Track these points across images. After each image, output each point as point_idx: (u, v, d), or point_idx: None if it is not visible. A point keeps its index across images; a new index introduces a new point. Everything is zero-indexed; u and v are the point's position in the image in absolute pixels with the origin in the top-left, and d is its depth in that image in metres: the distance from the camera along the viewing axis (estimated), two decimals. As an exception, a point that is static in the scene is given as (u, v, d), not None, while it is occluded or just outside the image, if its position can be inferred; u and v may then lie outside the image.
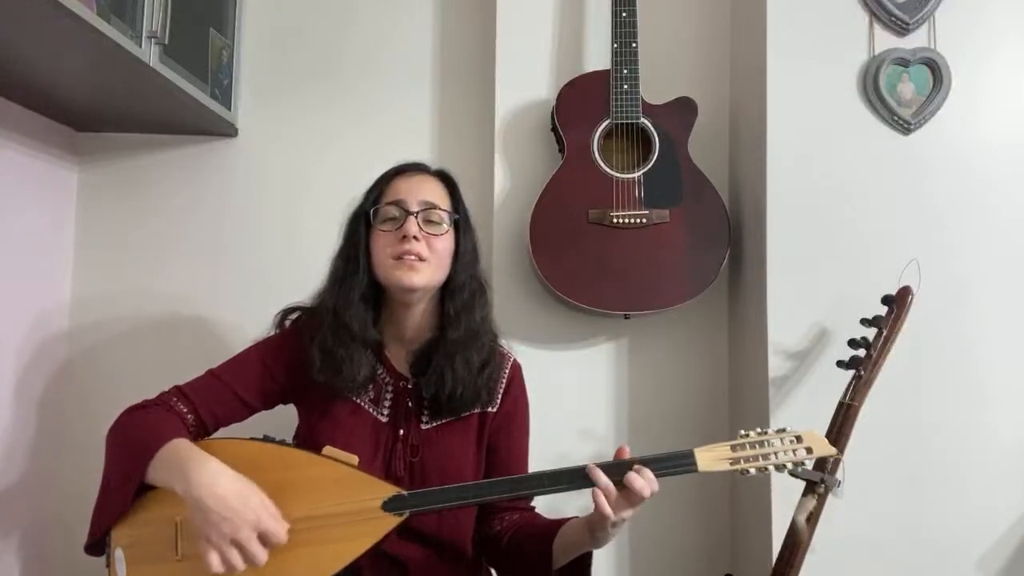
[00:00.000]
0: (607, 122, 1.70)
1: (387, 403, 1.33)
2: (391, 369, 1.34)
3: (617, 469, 1.12)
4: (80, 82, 1.57)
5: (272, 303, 1.40)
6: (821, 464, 1.33)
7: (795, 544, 1.34)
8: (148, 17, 1.48)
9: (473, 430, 1.35)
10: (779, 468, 1.14)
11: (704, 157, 1.74)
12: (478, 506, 1.35)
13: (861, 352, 1.40)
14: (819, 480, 1.32)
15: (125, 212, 1.90)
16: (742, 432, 1.15)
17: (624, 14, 1.69)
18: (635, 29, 1.69)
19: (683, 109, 1.72)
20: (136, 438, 1.17)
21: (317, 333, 1.28)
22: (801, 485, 1.35)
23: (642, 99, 1.70)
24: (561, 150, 1.74)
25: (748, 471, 1.13)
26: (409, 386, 1.34)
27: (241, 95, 1.93)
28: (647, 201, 1.68)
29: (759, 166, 1.63)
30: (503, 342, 1.42)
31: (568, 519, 1.27)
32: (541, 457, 1.50)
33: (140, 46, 1.45)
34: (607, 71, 1.71)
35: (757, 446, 1.14)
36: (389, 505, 1.13)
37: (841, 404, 1.38)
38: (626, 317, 1.74)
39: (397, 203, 1.29)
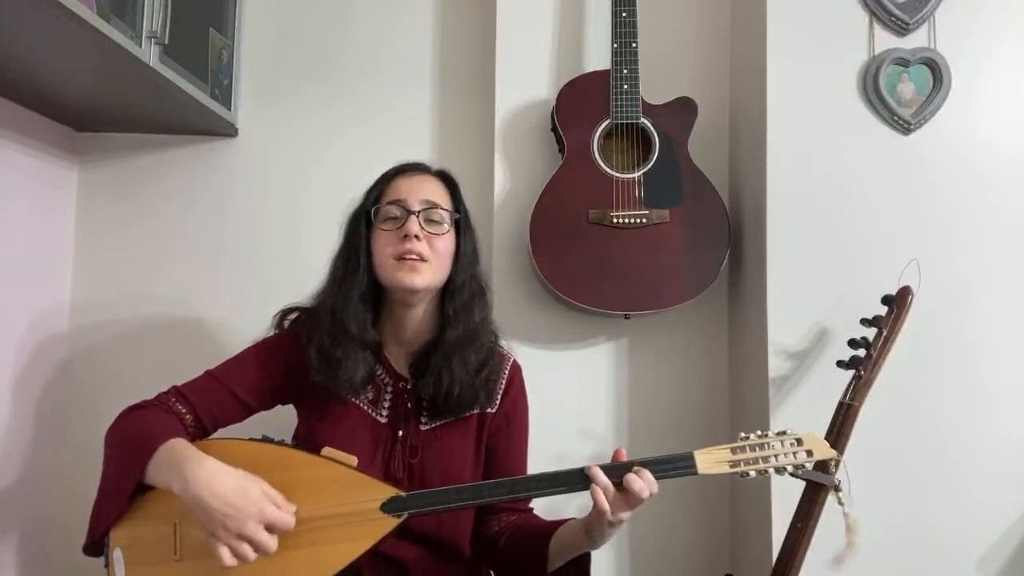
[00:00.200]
0: (607, 122, 1.70)
1: (386, 404, 1.32)
2: (390, 370, 1.34)
3: (617, 471, 1.12)
4: (80, 82, 1.57)
5: (272, 303, 1.40)
6: (822, 465, 1.33)
7: (795, 544, 1.34)
8: (148, 17, 1.48)
9: (472, 431, 1.35)
10: (779, 471, 1.14)
11: (704, 157, 1.74)
12: (476, 507, 1.35)
13: (861, 352, 1.40)
14: (826, 483, 1.31)
15: (125, 212, 1.90)
16: (742, 434, 1.15)
17: (624, 14, 1.69)
18: (635, 29, 1.69)
19: (683, 109, 1.72)
20: (134, 439, 1.17)
21: (315, 334, 1.28)
22: (801, 485, 1.34)
23: (642, 99, 1.70)
24: (561, 150, 1.74)
25: (748, 473, 1.13)
26: (408, 387, 1.33)
27: (241, 95, 1.93)
28: (647, 201, 1.68)
29: (759, 166, 1.63)
30: (503, 342, 1.42)
31: (565, 520, 1.27)
32: (541, 457, 1.50)
33: (140, 46, 1.45)
34: (607, 71, 1.71)
35: (757, 448, 1.14)
36: (388, 506, 1.13)
37: (841, 404, 1.38)
38: (626, 317, 1.74)
39: (398, 203, 1.29)
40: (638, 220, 1.67)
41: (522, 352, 1.63)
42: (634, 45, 1.68)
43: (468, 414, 1.34)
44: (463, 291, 1.32)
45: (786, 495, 1.41)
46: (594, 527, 1.16)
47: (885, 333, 1.39)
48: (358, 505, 1.13)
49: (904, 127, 1.58)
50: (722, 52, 1.88)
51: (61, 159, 1.85)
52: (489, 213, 1.79)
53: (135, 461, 1.13)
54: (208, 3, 1.77)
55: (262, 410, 1.34)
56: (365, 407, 1.31)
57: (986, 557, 1.52)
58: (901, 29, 1.59)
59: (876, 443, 1.49)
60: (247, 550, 1.06)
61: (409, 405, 1.33)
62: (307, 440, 1.30)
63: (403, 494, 1.15)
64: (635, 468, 1.12)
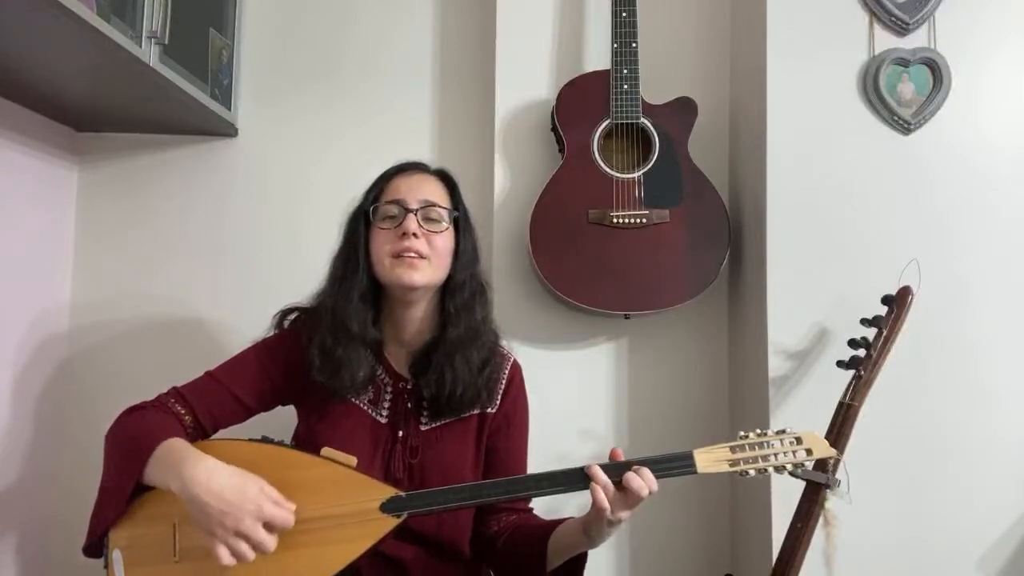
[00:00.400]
0: (607, 122, 1.70)
1: (386, 404, 1.32)
2: (390, 370, 1.34)
3: (616, 470, 1.12)
4: (80, 82, 1.57)
5: (272, 303, 1.40)
6: (821, 465, 1.33)
7: (795, 544, 1.34)
8: (148, 17, 1.48)
9: (472, 431, 1.35)
10: (779, 470, 1.15)
11: (704, 157, 1.74)
12: (476, 507, 1.35)
13: (861, 352, 1.40)
14: (825, 482, 1.31)
15: (125, 212, 1.90)
16: (741, 433, 1.16)
17: (624, 14, 1.69)
18: (635, 29, 1.69)
19: (683, 109, 1.72)
20: (133, 440, 1.17)
21: (316, 333, 1.28)
22: (801, 485, 1.34)
23: (642, 99, 1.70)
24: (561, 150, 1.74)
25: (747, 472, 1.13)
26: (408, 387, 1.33)
27: (241, 95, 1.93)
28: (647, 201, 1.68)
29: (759, 166, 1.63)
30: (503, 342, 1.42)
31: (564, 519, 1.27)
32: (541, 457, 1.50)
33: (140, 46, 1.45)
34: (607, 71, 1.71)
35: (756, 447, 1.14)
36: (387, 506, 1.13)
37: (841, 404, 1.38)
38: (626, 317, 1.74)
39: (397, 202, 1.29)
40: (638, 220, 1.67)
41: (522, 352, 1.63)
42: (634, 45, 1.68)
43: (468, 414, 1.34)
44: (463, 289, 1.32)
45: (786, 495, 1.41)
46: (593, 526, 1.16)
47: (885, 333, 1.39)
48: (357, 505, 1.13)
49: (904, 127, 1.58)
50: (722, 52, 1.88)
51: (61, 159, 1.85)
52: (489, 213, 1.79)
53: (134, 462, 1.13)
54: (208, 3, 1.77)
55: (262, 411, 1.34)
56: (365, 407, 1.31)
57: (986, 557, 1.52)
58: (901, 29, 1.59)
59: (876, 443, 1.49)
60: (245, 548, 1.06)
61: (409, 405, 1.33)
62: (307, 440, 1.30)
63: (402, 494, 1.15)
64: (634, 467, 1.12)
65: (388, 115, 1.94)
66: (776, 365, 1.57)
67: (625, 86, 1.69)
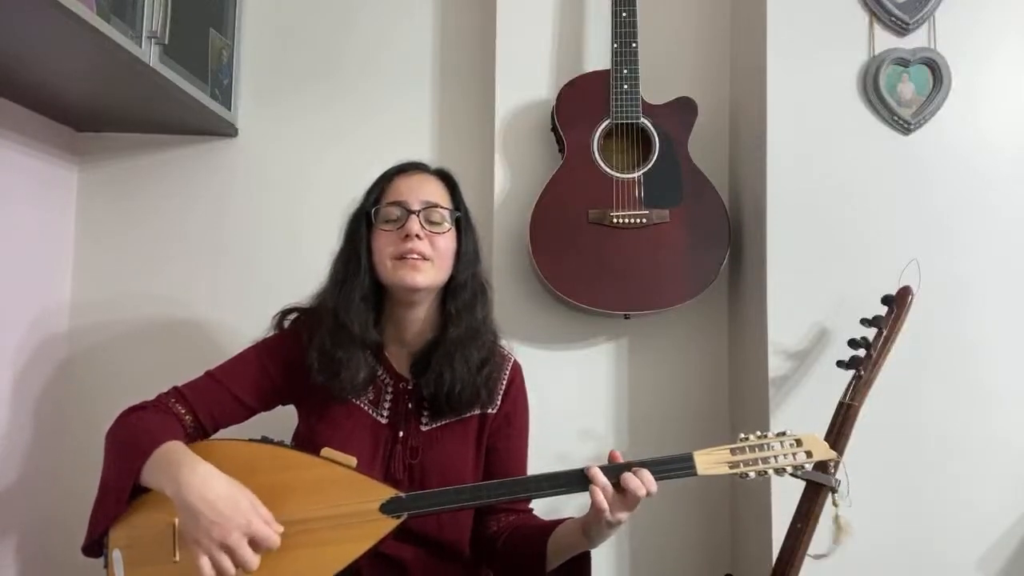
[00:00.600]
0: (607, 122, 1.70)
1: (386, 404, 1.32)
2: (391, 370, 1.34)
3: (616, 471, 1.12)
4: (80, 82, 1.57)
5: (272, 303, 1.40)
6: (822, 466, 1.33)
7: (795, 544, 1.34)
8: (148, 17, 1.48)
9: (473, 432, 1.35)
10: (779, 472, 1.14)
11: (704, 157, 1.74)
12: (476, 508, 1.35)
13: (861, 352, 1.40)
14: (826, 483, 1.31)
15: (125, 212, 1.90)
16: (742, 435, 1.15)
17: (624, 14, 1.69)
18: (635, 29, 1.69)
19: (683, 109, 1.72)
20: (131, 440, 1.17)
21: (316, 334, 1.28)
22: (801, 485, 1.34)
23: (642, 99, 1.69)
24: (561, 150, 1.74)
25: (747, 475, 1.13)
26: (409, 387, 1.33)
27: (241, 95, 1.93)
28: (647, 201, 1.68)
29: (759, 166, 1.63)
30: (503, 342, 1.42)
31: (563, 519, 1.27)
32: (541, 457, 1.50)
33: (140, 46, 1.45)
34: (607, 71, 1.71)
35: (757, 449, 1.14)
36: (387, 507, 1.13)
37: (841, 404, 1.38)
38: (626, 317, 1.74)
39: (399, 203, 1.29)
40: (638, 220, 1.67)
41: (522, 352, 1.63)
42: (634, 45, 1.68)
43: (468, 414, 1.34)
44: (465, 290, 1.32)
45: (786, 495, 1.41)
46: (592, 527, 1.16)
47: (885, 333, 1.39)
48: (357, 506, 1.13)
49: (904, 127, 1.58)
50: (722, 52, 1.88)
51: (61, 159, 1.85)
52: (489, 213, 1.79)
53: (132, 463, 1.13)
54: (208, 3, 1.77)
55: (262, 410, 1.34)
56: (366, 407, 1.31)
57: (986, 557, 1.52)
58: (901, 29, 1.59)
59: (876, 443, 1.49)
60: (228, 564, 1.05)
61: (409, 406, 1.33)
62: (307, 440, 1.30)
63: (402, 495, 1.15)
64: (633, 468, 1.12)
65: (388, 115, 1.94)
66: (776, 365, 1.56)
67: (625, 86, 1.69)
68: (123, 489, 1.14)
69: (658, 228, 1.67)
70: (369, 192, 1.35)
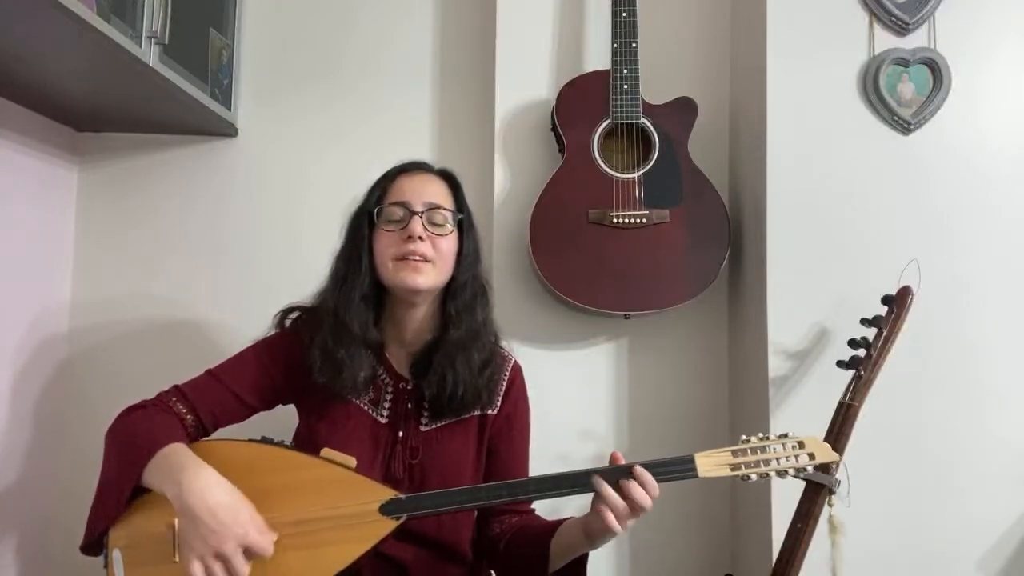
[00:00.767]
0: (607, 122, 1.70)
1: (386, 404, 1.32)
2: (391, 370, 1.34)
3: (618, 474, 1.12)
4: (80, 82, 1.57)
5: (272, 303, 1.40)
6: (822, 467, 1.32)
7: (795, 544, 1.34)
8: (148, 17, 1.48)
9: (473, 432, 1.35)
10: (781, 474, 1.13)
11: (704, 157, 1.74)
12: (477, 509, 1.35)
13: (861, 352, 1.40)
14: (826, 483, 1.31)
15: (125, 212, 1.90)
16: (743, 437, 1.14)
17: (624, 14, 1.69)
18: (635, 29, 1.69)
19: (683, 109, 1.72)
20: (133, 440, 1.17)
21: (317, 334, 1.28)
22: (801, 485, 1.34)
23: (642, 99, 1.70)
24: (561, 150, 1.74)
25: (749, 477, 1.12)
26: (409, 387, 1.33)
27: (241, 95, 1.93)
28: (647, 201, 1.68)
29: (759, 166, 1.63)
30: (503, 343, 1.41)
31: (564, 520, 1.27)
32: (541, 457, 1.50)
33: (140, 46, 1.45)
34: (607, 71, 1.71)
35: (759, 451, 1.13)
36: (386, 508, 1.13)
37: (841, 404, 1.38)
38: (626, 317, 1.74)
39: (401, 203, 1.28)
40: (638, 220, 1.67)
41: (522, 352, 1.63)
42: (634, 45, 1.68)
43: (468, 415, 1.34)
44: (465, 291, 1.32)
45: (786, 495, 1.41)
46: (596, 533, 1.15)
47: (885, 333, 1.39)
48: (357, 507, 1.13)
49: (904, 127, 1.58)
50: (722, 52, 1.88)
51: (61, 159, 1.85)
52: (489, 213, 1.79)
53: (133, 464, 1.13)
54: (208, 3, 1.77)
55: (263, 409, 1.34)
56: (366, 407, 1.31)
57: (986, 557, 1.52)
58: (901, 29, 1.59)
59: (876, 443, 1.49)
60: (219, 571, 1.05)
61: (409, 406, 1.33)
62: (307, 440, 1.30)
63: (402, 496, 1.14)
64: (635, 471, 1.11)
65: (388, 115, 1.94)
66: (776, 365, 1.56)
67: (625, 86, 1.69)
68: (123, 490, 1.14)
69: (658, 228, 1.67)
70: (371, 191, 1.34)
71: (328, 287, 1.32)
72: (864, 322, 1.42)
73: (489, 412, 1.36)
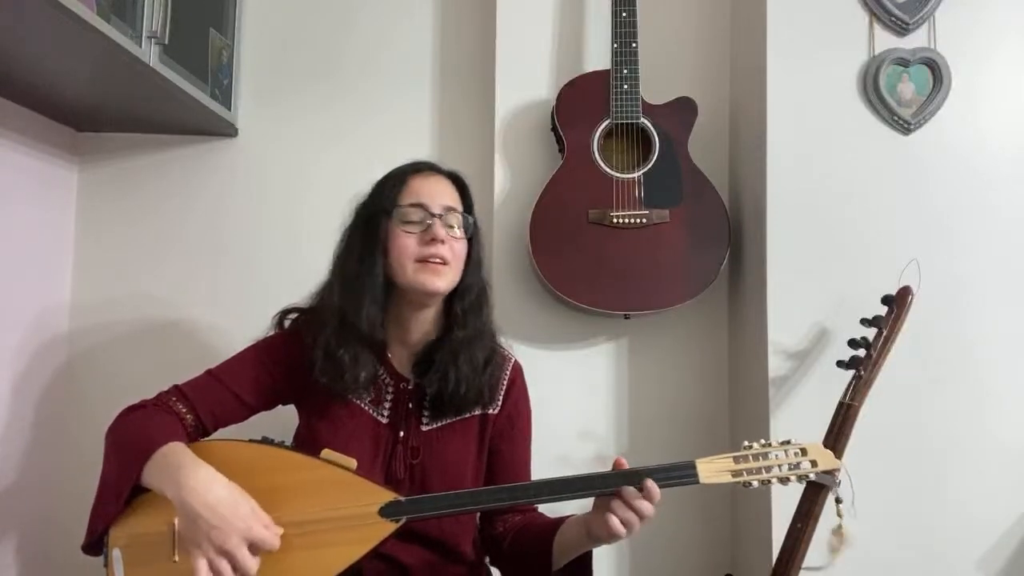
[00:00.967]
0: (607, 122, 1.70)
1: (387, 404, 1.32)
2: (392, 370, 1.34)
3: (622, 479, 1.11)
4: (80, 82, 1.57)
5: (272, 303, 1.40)
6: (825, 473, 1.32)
7: (795, 544, 1.34)
8: (148, 17, 1.48)
9: (474, 432, 1.35)
10: (783, 481, 1.13)
11: (704, 157, 1.74)
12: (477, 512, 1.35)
13: (861, 352, 1.40)
14: (827, 483, 1.31)
15: (125, 212, 1.90)
16: (745, 443, 1.14)
17: (624, 14, 1.69)
18: (635, 29, 1.69)
19: (683, 109, 1.72)
20: (132, 440, 1.17)
21: (320, 334, 1.27)
22: (802, 486, 1.34)
23: (642, 99, 1.70)
24: (561, 150, 1.74)
25: (751, 484, 1.12)
26: (410, 387, 1.33)
27: (241, 95, 1.93)
28: (647, 201, 1.68)
29: (759, 166, 1.63)
30: (503, 343, 1.42)
31: (566, 517, 1.27)
32: (541, 457, 1.50)
33: (140, 46, 1.45)
34: (607, 71, 1.71)
35: (760, 458, 1.12)
36: (386, 511, 1.13)
37: (841, 404, 1.38)
38: (626, 317, 1.74)
39: (420, 205, 1.27)
40: (638, 220, 1.67)
41: (522, 352, 1.63)
42: (634, 45, 1.68)
43: (469, 414, 1.34)
44: (472, 292, 1.32)
45: (786, 495, 1.41)
46: (597, 534, 1.15)
47: (885, 333, 1.39)
48: (356, 509, 1.13)
49: (904, 127, 1.58)
50: (722, 52, 1.88)
51: (61, 159, 1.85)
52: (489, 213, 1.79)
53: (133, 463, 1.13)
54: (208, 3, 1.77)
55: (263, 409, 1.34)
56: (366, 407, 1.31)
57: (986, 557, 1.52)
58: (901, 29, 1.59)
59: (876, 443, 1.49)
60: (226, 568, 1.05)
61: (410, 405, 1.33)
62: (308, 440, 1.29)
63: (401, 499, 1.14)
64: (643, 484, 1.10)
65: (388, 115, 1.94)
66: (776, 365, 1.56)
67: (625, 86, 1.69)
68: (123, 489, 1.14)
69: (658, 228, 1.67)
70: (383, 190, 1.32)
71: (336, 287, 1.30)
72: (864, 322, 1.42)
73: (490, 411, 1.36)
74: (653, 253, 1.67)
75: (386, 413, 1.32)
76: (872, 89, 1.58)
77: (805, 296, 1.57)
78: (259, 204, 1.92)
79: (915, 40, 1.59)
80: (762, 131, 1.61)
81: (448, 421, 1.33)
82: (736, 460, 1.12)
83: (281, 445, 1.21)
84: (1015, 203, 1.57)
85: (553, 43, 1.84)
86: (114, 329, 1.88)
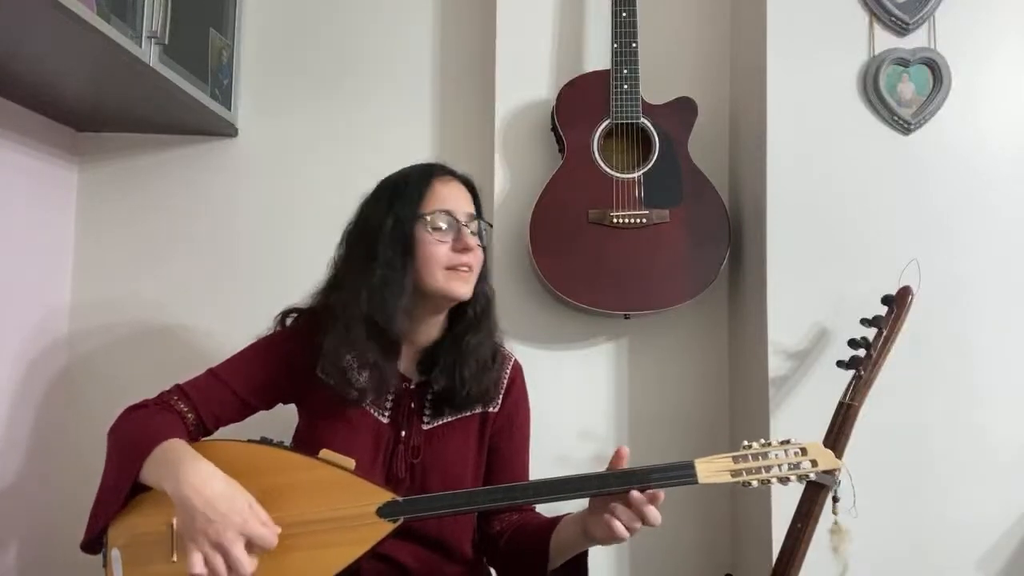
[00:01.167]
0: (607, 122, 1.70)
1: (388, 404, 1.32)
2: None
3: (620, 481, 1.11)
4: (80, 82, 1.57)
5: (272, 303, 1.39)
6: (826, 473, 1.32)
7: (795, 544, 1.34)
8: (148, 17, 1.48)
9: (474, 430, 1.35)
10: (783, 481, 1.12)
11: (704, 157, 1.74)
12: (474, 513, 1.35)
13: (861, 352, 1.40)
14: (826, 483, 1.31)
15: (125, 212, 1.90)
16: (745, 443, 1.13)
17: (624, 14, 1.69)
18: (635, 29, 1.69)
19: (683, 109, 1.72)
20: (133, 438, 1.17)
21: (343, 342, 1.23)
22: (802, 486, 1.34)
23: (642, 99, 1.70)
24: (561, 150, 1.74)
25: (751, 484, 1.11)
26: (412, 387, 1.33)
27: (241, 95, 1.93)
28: (647, 201, 1.68)
29: (759, 166, 1.63)
30: (503, 342, 1.42)
31: (563, 516, 1.27)
32: (541, 457, 1.50)
33: (140, 46, 1.45)
34: (607, 71, 1.71)
35: (760, 458, 1.12)
36: (384, 511, 1.13)
37: (841, 404, 1.38)
38: (626, 317, 1.74)
39: (448, 212, 1.27)
40: (638, 220, 1.67)
41: (522, 352, 1.63)
42: (634, 45, 1.68)
43: (470, 413, 1.34)
44: (483, 295, 1.34)
45: (786, 495, 1.41)
46: (597, 536, 1.15)
47: (885, 333, 1.39)
48: (355, 509, 1.13)
49: (904, 127, 1.58)
50: (722, 52, 1.88)
51: (61, 159, 1.85)
52: (489, 213, 1.79)
53: (132, 461, 1.13)
54: (208, 3, 1.77)
55: (263, 408, 1.34)
56: (368, 407, 1.31)
57: (986, 557, 1.52)
58: (901, 29, 1.59)
59: (876, 443, 1.49)
60: (220, 565, 1.04)
61: (412, 405, 1.33)
62: (308, 439, 1.29)
63: (399, 499, 1.14)
64: (648, 494, 1.10)
65: (388, 115, 1.94)
66: (776, 365, 1.56)
67: (625, 86, 1.69)
68: (122, 487, 1.14)
69: (658, 228, 1.67)
70: (405, 193, 1.28)
71: (358, 292, 1.24)
72: (864, 322, 1.42)
73: (490, 410, 1.36)
74: (653, 253, 1.67)
75: (387, 412, 1.32)
76: (872, 89, 1.58)
77: (805, 296, 1.57)
78: (259, 204, 1.92)
79: (915, 40, 1.59)
80: (762, 131, 1.61)
81: (449, 419, 1.33)
82: (735, 460, 1.12)
83: (280, 445, 1.21)
84: (1015, 203, 1.57)
85: (553, 43, 1.84)
86: (114, 329, 1.88)
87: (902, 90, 1.58)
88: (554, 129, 1.76)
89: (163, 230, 1.90)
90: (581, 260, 1.67)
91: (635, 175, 1.69)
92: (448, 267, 1.25)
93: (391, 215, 1.27)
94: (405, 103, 1.94)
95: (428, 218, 1.26)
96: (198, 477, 1.08)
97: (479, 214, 1.34)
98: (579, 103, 1.72)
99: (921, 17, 1.58)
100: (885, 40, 1.59)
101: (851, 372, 1.40)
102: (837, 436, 1.35)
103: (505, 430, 1.39)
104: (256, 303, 1.50)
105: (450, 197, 1.29)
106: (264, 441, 1.20)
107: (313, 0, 1.96)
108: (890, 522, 1.51)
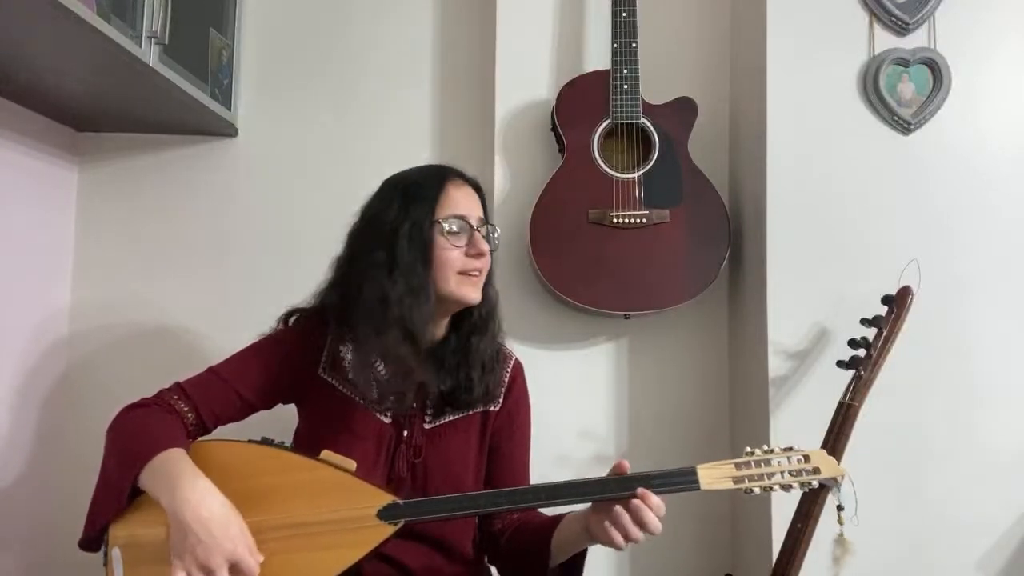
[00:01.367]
0: (607, 122, 1.70)
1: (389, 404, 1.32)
2: (396, 370, 1.34)
3: (621, 487, 1.11)
4: (80, 82, 1.57)
5: (272, 303, 1.39)
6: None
7: (795, 544, 1.34)
8: (148, 17, 1.48)
9: (475, 430, 1.35)
10: (785, 488, 1.12)
11: (704, 157, 1.74)
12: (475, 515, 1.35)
13: (861, 352, 1.40)
14: (826, 483, 1.30)
15: (125, 212, 1.90)
16: (748, 449, 1.13)
17: (624, 14, 1.69)
18: (635, 29, 1.69)
19: (683, 109, 1.72)
20: (133, 440, 1.16)
21: (375, 343, 1.23)
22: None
23: (642, 99, 1.70)
24: (561, 150, 1.74)
25: (752, 491, 1.11)
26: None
27: (241, 95, 1.93)
28: (647, 201, 1.68)
29: (759, 166, 1.63)
30: (504, 341, 1.42)
31: (564, 515, 1.27)
32: (541, 457, 1.50)
33: (140, 46, 1.45)
34: (607, 71, 1.71)
35: (762, 464, 1.12)
36: (384, 513, 1.13)
37: (841, 404, 1.38)
38: (626, 317, 1.74)
39: (462, 217, 1.27)
40: (638, 220, 1.67)
41: (522, 352, 1.63)
42: (634, 45, 1.68)
43: (471, 412, 1.34)
44: (490, 299, 1.34)
45: (786, 496, 1.41)
46: (595, 531, 1.15)
47: (885, 333, 1.39)
48: (355, 511, 1.13)
49: (904, 127, 1.58)
50: (722, 52, 1.88)
51: (61, 159, 1.85)
52: (489, 213, 1.79)
53: (131, 465, 1.12)
54: (208, 3, 1.77)
55: (264, 408, 1.33)
56: (369, 407, 1.31)
57: (986, 557, 1.52)
58: (901, 29, 1.59)
59: (876, 443, 1.49)
60: None
61: (414, 405, 1.33)
62: (309, 440, 1.29)
63: (400, 502, 1.14)
64: (647, 499, 1.10)
65: (388, 115, 1.94)
66: (776, 365, 1.56)
67: (625, 86, 1.69)
68: (122, 489, 1.13)
69: (658, 228, 1.67)
70: (419, 197, 1.28)
71: (386, 294, 1.23)
72: (864, 322, 1.42)
73: (491, 409, 1.36)
74: (653, 253, 1.67)
75: (389, 412, 1.32)
76: (872, 89, 1.58)
77: (805, 296, 1.57)
78: (259, 204, 1.92)
79: (915, 40, 1.59)
80: (762, 131, 1.61)
81: (450, 419, 1.33)
82: (738, 467, 1.11)
83: (280, 445, 1.21)
84: (1015, 203, 1.57)
85: (553, 43, 1.84)
86: (114, 330, 1.88)
87: (902, 90, 1.58)
88: (554, 129, 1.76)
89: (163, 230, 1.90)
90: (581, 260, 1.67)
91: (635, 175, 1.69)
92: (460, 272, 1.26)
93: (407, 219, 1.26)
94: (405, 103, 1.94)
95: (444, 223, 1.26)
96: (196, 496, 1.07)
97: (487, 218, 1.35)
98: (579, 103, 1.72)
99: (921, 17, 1.58)
100: (885, 40, 1.59)
101: (851, 372, 1.40)
102: (837, 436, 1.35)
103: (506, 429, 1.39)
104: (256, 303, 1.50)
105: (463, 202, 1.30)
106: (265, 441, 1.20)
107: (313, 0, 1.96)
108: (890, 522, 1.52)
